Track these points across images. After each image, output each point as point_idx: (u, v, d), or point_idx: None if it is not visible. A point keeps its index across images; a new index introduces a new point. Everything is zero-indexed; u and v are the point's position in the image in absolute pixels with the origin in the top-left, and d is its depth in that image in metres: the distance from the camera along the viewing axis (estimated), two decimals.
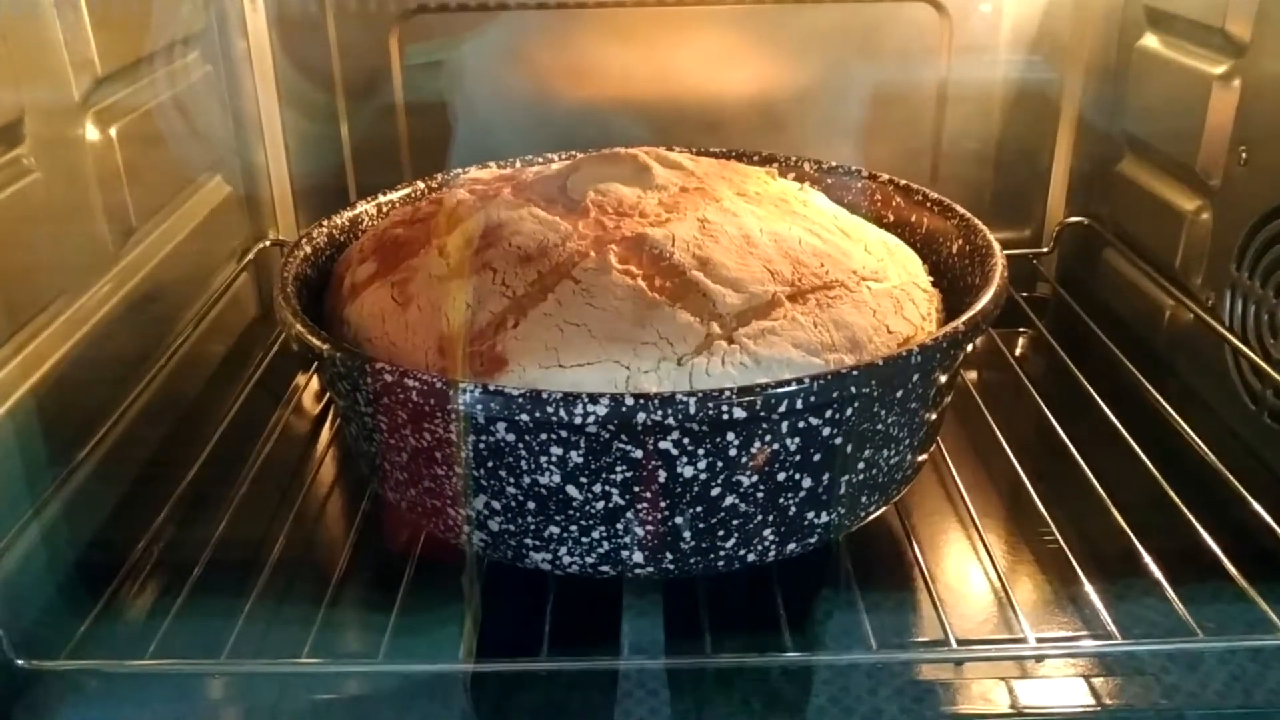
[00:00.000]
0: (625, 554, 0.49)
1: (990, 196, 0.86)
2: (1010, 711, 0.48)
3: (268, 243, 0.82)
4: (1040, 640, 0.50)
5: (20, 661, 0.46)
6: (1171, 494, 0.57)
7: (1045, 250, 0.85)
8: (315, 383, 0.75)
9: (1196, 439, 0.60)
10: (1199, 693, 0.49)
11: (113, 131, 0.61)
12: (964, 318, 0.49)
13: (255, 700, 0.49)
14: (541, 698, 0.50)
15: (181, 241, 0.69)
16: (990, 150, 0.85)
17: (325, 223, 0.62)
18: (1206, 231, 0.68)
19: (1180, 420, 0.62)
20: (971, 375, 0.75)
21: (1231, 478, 0.57)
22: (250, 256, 0.79)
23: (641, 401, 0.43)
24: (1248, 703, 0.48)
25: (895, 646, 0.51)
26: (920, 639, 0.52)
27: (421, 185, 0.68)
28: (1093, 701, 0.48)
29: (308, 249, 0.59)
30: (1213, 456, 0.59)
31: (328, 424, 0.71)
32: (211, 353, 0.73)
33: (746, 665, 0.50)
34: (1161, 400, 0.64)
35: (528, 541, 0.49)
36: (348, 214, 0.64)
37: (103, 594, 0.52)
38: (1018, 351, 0.80)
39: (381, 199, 0.66)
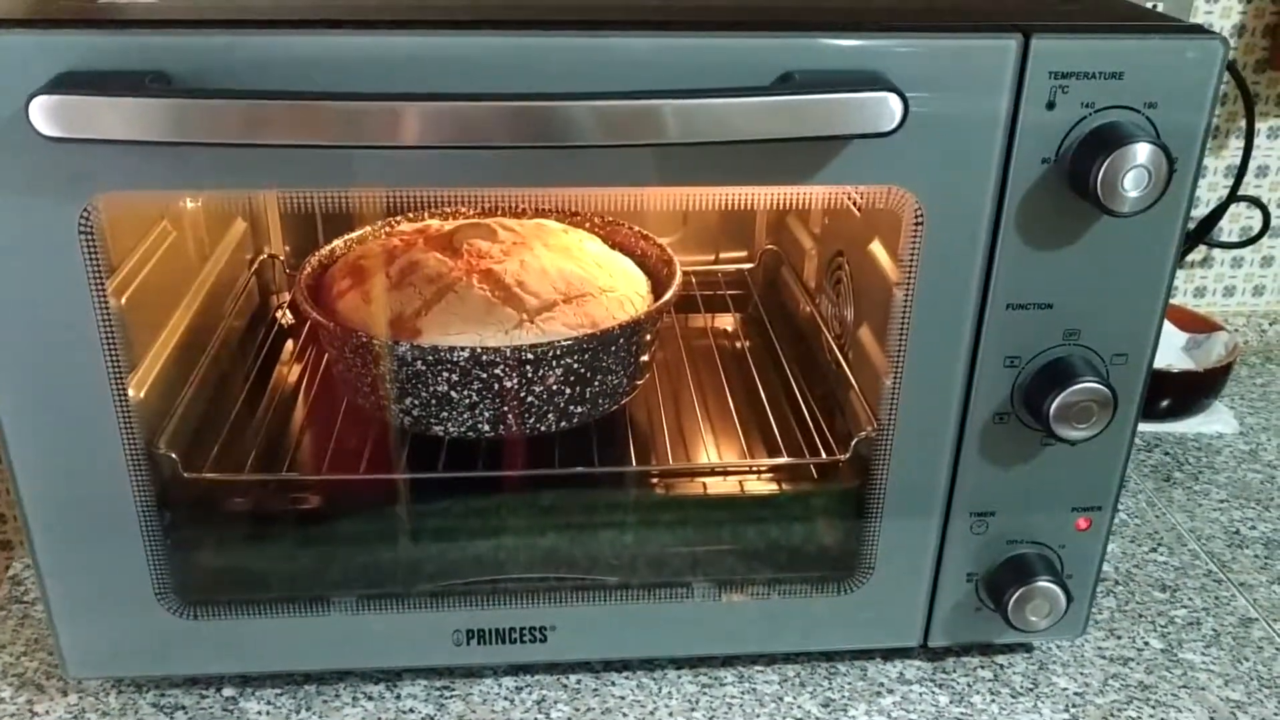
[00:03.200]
0: (481, 425, 0.99)
1: (722, 232, 1.37)
2: (676, 494, 1.01)
3: (265, 255, 1.30)
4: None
5: (186, 474, 0.94)
6: (766, 405, 1.10)
7: (751, 266, 1.37)
8: (293, 346, 1.25)
9: (797, 381, 1.13)
10: (760, 488, 1.02)
11: (198, 202, 1.09)
12: (636, 315, 1.01)
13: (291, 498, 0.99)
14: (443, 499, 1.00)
15: (225, 260, 1.17)
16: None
17: (316, 253, 1.11)
18: (815, 260, 1.21)
19: (793, 373, 1.15)
20: (703, 342, 1.27)
21: (812, 399, 1.10)
22: (255, 266, 1.27)
23: (484, 350, 0.94)
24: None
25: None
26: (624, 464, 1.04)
27: (369, 229, 1.16)
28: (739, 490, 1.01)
29: (308, 269, 1.08)
30: (795, 385, 1.12)
31: (309, 368, 1.20)
32: (237, 326, 1.21)
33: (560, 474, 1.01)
34: (782, 355, 1.17)
35: (431, 420, 0.99)
36: (327, 248, 1.12)
37: (214, 447, 1.00)
38: (729, 329, 1.32)
39: (347, 237, 1.15)
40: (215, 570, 0.93)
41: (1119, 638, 1.02)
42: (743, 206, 0.85)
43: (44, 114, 0.67)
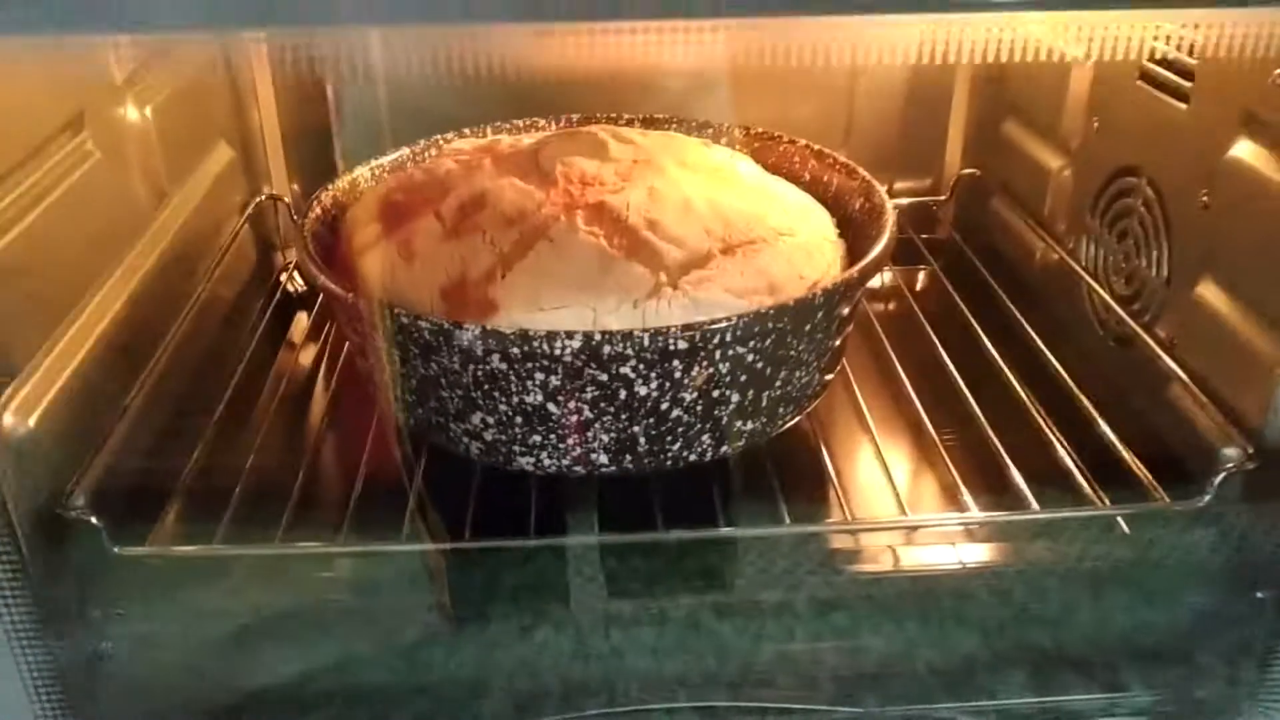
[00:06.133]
0: (594, 456, 0.61)
1: (898, 151, 0.98)
2: (894, 570, 0.63)
3: (263, 197, 0.93)
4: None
5: (115, 549, 0.57)
6: (1032, 410, 0.70)
7: (943, 198, 0.98)
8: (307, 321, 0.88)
9: (1055, 363, 0.74)
10: (1043, 556, 0.64)
11: (148, 110, 0.71)
12: (857, 266, 0.62)
13: (299, 576, 0.62)
14: (530, 573, 0.63)
15: (200, 201, 0.79)
16: (897, 110, 0.97)
17: (330, 186, 0.73)
18: (1069, 186, 0.82)
19: (1044, 348, 0.75)
20: (877, 307, 0.89)
21: (1081, 394, 0.71)
22: (250, 210, 0.90)
23: (607, 336, 0.56)
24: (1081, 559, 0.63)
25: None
26: (826, 517, 0.66)
27: (408, 151, 0.79)
28: (958, 561, 0.63)
29: (318, 210, 0.70)
30: (1066, 377, 0.73)
31: (327, 355, 0.83)
32: (222, 296, 0.84)
33: (685, 540, 0.63)
34: (1029, 329, 0.77)
35: (515, 449, 0.62)
36: (347, 178, 0.75)
37: (172, 495, 0.63)
38: (917, 287, 0.93)
39: (374, 163, 0.77)
40: (152, 700, 0.56)
41: None
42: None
43: None
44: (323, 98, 0.93)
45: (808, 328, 0.61)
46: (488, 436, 0.61)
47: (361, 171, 0.76)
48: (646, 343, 0.56)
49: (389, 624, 0.65)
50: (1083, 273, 0.78)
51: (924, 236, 0.95)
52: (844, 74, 0.97)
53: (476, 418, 0.61)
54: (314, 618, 0.64)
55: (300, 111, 0.93)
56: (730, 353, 0.58)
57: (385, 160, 0.78)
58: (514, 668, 0.63)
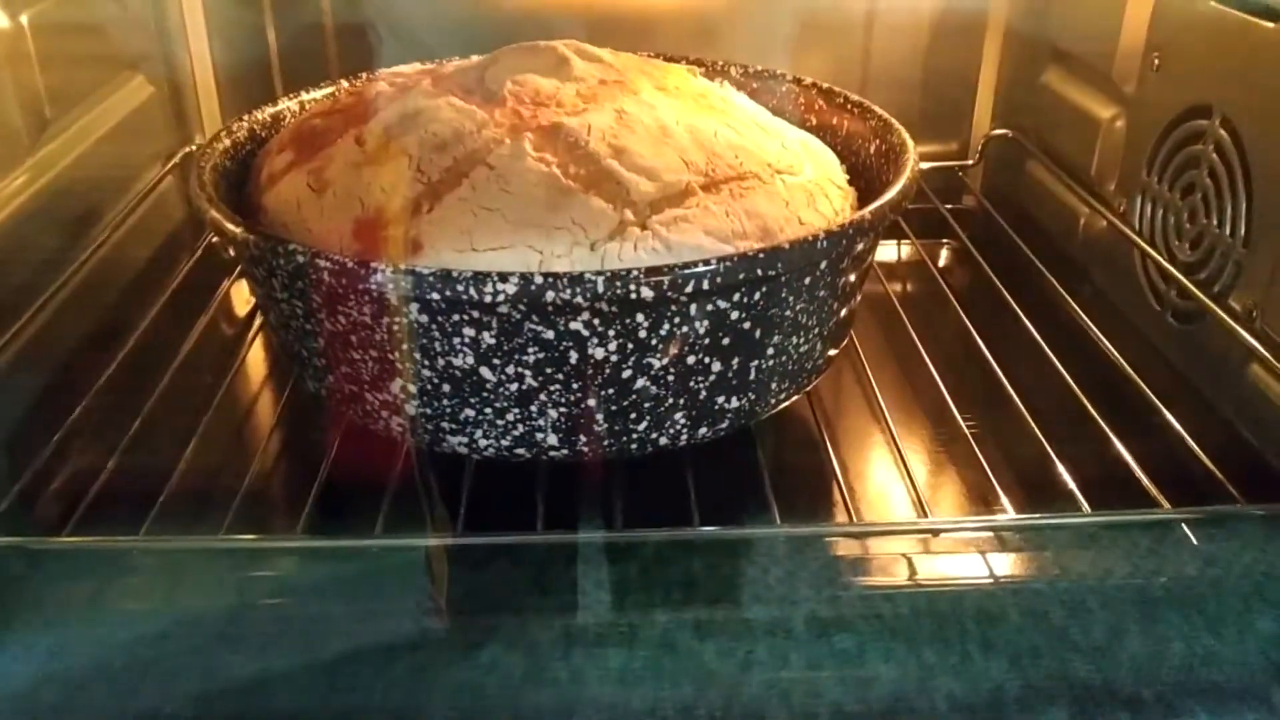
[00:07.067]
0: (540, 436, 0.50)
1: (918, 110, 0.86)
2: (909, 583, 0.51)
3: (193, 147, 0.81)
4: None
5: None
6: (1081, 396, 0.58)
7: (971, 163, 0.86)
8: (243, 287, 0.76)
9: (1106, 343, 0.62)
10: (1088, 569, 0.52)
11: (24, 19, 0.60)
12: (871, 206, 0.50)
13: (178, 576, 0.51)
14: (473, 580, 0.51)
15: (102, 139, 0.68)
16: (918, 64, 0.86)
17: (246, 117, 0.62)
18: (1120, 139, 0.70)
19: (1092, 326, 0.64)
20: (895, 286, 0.77)
21: (1139, 379, 0.59)
22: (175, 160, 0.78)
23: (551, 280, 0.44)
24: (1134, 574, 0.51)
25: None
26: (827, 520, 0.54)
27: (345, 84, 0.68)
28: (987, 574, 0.51)
29: (227, 142, 0.59)
30: (1120, 359, 0.61)
31: (256, 324, 0.71)
32: (135, 257, 0.73)
33: (655, 539, 0.51)
34: (1075, 306, 0.65)
35: (444, 425, 0.50)
36: (270, 110, 0.64)
37: (20, 479, 0.52)
38: (941, 263, 0.81)
39: (304, 96, 0.66)
40: None
41: None
42: None
43: None
44: (263, 37, 0.82)
45: (808, 281, 0.49)
46: (410, 409, 0.50)
47: (288, 105, 0.65)
48: (601, 289, 0.44)
49: (303, 638, 0.53)
50: (1136, 238, 0.66)
51: (949, 206, 0.83)
52: (859, 26, 0.85)
53: (395, 386, 0.49)
54: (204, 630, 0.52)
55: (238, 51, 0.82)
56: (709, 307, 0.47)
57: (318, 93, 0.66)
58: (454, 693, 0.51)
